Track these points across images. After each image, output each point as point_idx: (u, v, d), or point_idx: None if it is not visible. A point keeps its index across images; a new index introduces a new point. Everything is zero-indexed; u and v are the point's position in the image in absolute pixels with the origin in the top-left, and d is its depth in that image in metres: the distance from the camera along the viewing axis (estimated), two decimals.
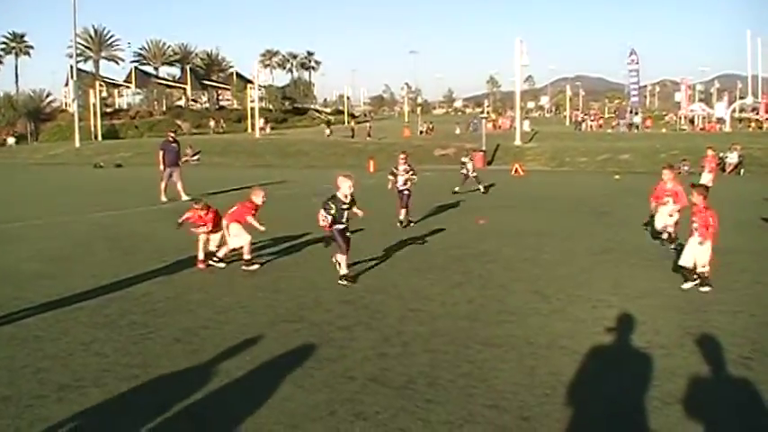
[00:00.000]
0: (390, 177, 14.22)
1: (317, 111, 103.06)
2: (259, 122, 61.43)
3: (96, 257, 10.59)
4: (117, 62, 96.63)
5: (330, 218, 8.63)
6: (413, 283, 8.69)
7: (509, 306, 7.52)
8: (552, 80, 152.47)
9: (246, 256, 9.50)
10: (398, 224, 13.55)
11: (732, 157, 28.59)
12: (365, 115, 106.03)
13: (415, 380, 5.29)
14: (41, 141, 66.00)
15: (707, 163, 19.78)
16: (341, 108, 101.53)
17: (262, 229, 9.65)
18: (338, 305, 7.60)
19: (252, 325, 6.82)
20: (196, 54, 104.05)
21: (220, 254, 9.61)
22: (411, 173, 14.10)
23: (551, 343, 6.20)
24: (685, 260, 8.15)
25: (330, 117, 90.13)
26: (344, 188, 8.71)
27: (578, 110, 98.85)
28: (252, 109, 64.68)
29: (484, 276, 9.08)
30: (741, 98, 73.84)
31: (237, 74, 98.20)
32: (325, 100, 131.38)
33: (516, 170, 29.49)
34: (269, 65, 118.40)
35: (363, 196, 8.87)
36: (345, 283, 8.52)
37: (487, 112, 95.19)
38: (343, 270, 8.65)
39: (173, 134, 21.40)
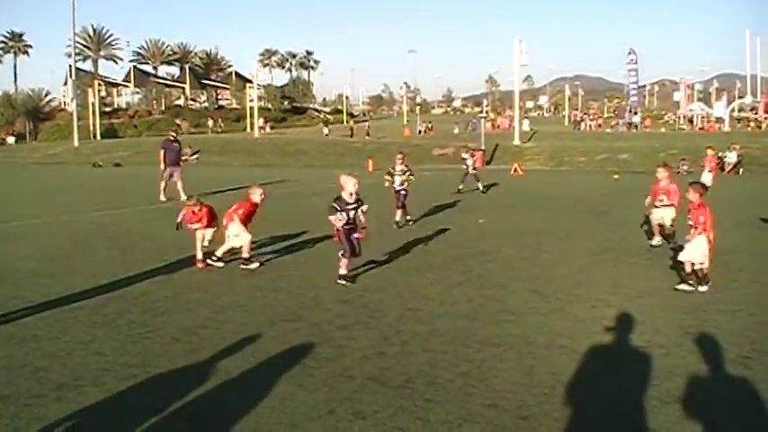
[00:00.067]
0: (387, 177, 14.17)
1: (316, 110, 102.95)
2: (259, 122, 61.39)
3: (95, 257, 10.58)
4: (116, 61, 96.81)
5: (344, 217, 8.46)
6: (412, 282, 8.69)
7: (508, 305, 7.52)
8: (551, 80, 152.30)
9: (245, 255, 9.48)
10: (395, 225, 13.51)
11: (731, 157, 28.63)
12: (364, 114, 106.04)
13: (413, 379, 5.28)
14: (40, 140, 66.03)
15: (707, 162, 19.89)
16: (340, 107, 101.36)
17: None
18: (337, 304, 7.59)
19: (251, 324, 6.82)
20: (195, 53, 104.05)
21: (219, 253, 9.59)
22: (408, 173, 14.04)
23: (550, 342, 6.20)
24: (684, 255, 8.12)
25: (328, 117, 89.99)
26: (349, 187, 8.61)
27: (577, 109, 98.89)
28: (251, 108, 64.65)
29: (483, 276, 9.08)
30: (740, 98, 73.99)
31: (236, 73, 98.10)
32: (324, 99, 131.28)
33: (515, 170, 29.51)
34: (268, 64, 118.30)
35: (362, 195, 8.86)
36: (344, 282, 8.51)
37: (486, 112, 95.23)
38: (343, 270, 8.63)
39: (174, 133, 21.37)
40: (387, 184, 14.12)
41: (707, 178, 19.23)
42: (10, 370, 5.51)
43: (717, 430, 4.53)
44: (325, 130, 61.04)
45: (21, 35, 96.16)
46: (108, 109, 77.86)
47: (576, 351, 5.93)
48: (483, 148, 34.93)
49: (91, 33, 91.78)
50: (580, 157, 34.89)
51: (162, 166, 19.29)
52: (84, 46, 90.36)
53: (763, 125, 60.32)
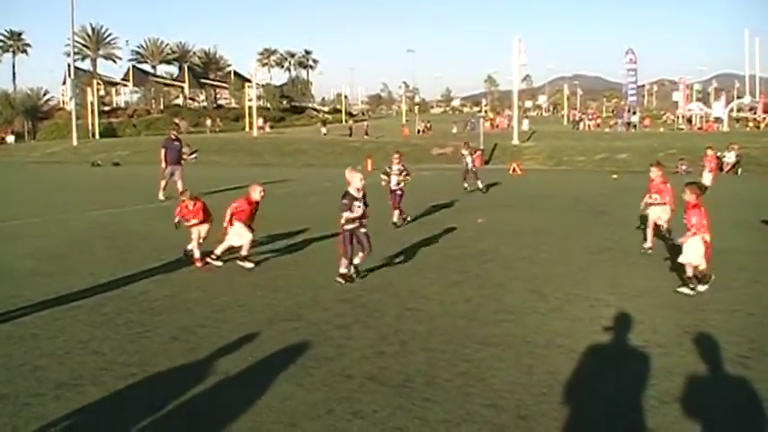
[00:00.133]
0: (384, 177, 14.09)
1: (315, 109, 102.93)
2: (258, 121, 61.33)
3: (94, 256, 10.58)
4: (114, 60, 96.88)
5: (359, 209, 8.45)
6: (410, 281, 8.69)
7: (507, 305, 7.52)
8: (550, 79, 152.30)
9: (243, 253, 9.45)
10: (393, 225, 13.47)
11: (730, 157, 28.65)
12: (363, 114, 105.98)
13: (412, 378, 5.29)
14: (39, 140, 66.02)
15: (707, 162, 20.03)
16: (338, 107, 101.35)
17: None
18: (336, 304, 7.59)
19: (250, 323, 6.82)
20: (194, 52, 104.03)
21: (218, 251, 9.56)
22: (405, 173, 13.93)
23: (549, 342, 6.21)
24: (683, 258, 8.09)
25: (327, 116, 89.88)
26: (356, 182, 8.56)
27: (576, 109, 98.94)
28: (250, 108, 64.65)
29: (481, 275, 9.08)
30: (739, 98, 74.08)
31: (235, 72, 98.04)
32: (323, 99, 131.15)
33: (514, 169, 29.50)
34: (267, 63, 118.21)
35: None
36: (342, 281, 8.49)
37: (485, 112, 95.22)
38: (342, 269, 8.61)
39: (175, 132, 21.43)
40: (383, 183, 14.07)
41: (707, 178, 19.40)
42: (8, 369, 5.51)
43: (715, 430, 4.54)
44: (323, 130, 60.78)
45: (19, 34, 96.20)
46: (107, 108, 77.83)
47: (574, 350, 5.93)
48: (482, 147, 34.93)
49: (90, 32, 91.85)
50: (579, 156, 34.90)
51: (163, 164, 19.31)
52: (83, 45, 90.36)
53: (762, 125, 60.34)
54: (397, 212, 13.65)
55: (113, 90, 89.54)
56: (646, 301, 7.66)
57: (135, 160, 38.80)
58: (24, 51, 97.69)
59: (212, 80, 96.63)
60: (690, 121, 69.10)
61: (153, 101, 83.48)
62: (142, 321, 6.89)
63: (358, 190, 8.56)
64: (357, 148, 40.39)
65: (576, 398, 4.94)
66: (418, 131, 64.14)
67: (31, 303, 7.47)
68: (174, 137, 20.33)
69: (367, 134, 56.41)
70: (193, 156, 38.45)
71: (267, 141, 46.79)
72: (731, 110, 63.53)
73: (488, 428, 4.44)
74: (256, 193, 9.70)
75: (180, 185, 18.77)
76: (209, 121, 72.81)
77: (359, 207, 8.50)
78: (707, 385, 5.27)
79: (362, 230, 8.59)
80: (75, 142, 50.24)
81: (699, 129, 61.82)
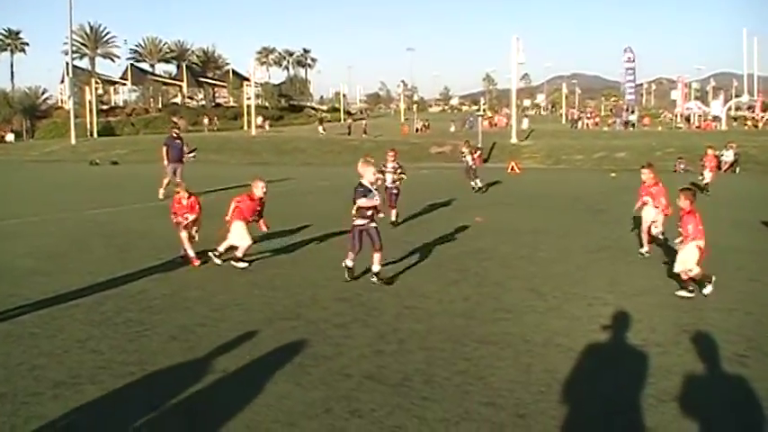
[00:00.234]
0: (378, 175, 13.89)
1: (313, 108, 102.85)
2: (258, 120, 61.21)
3: (92, 254, 10.56)
4: (113, 59, 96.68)
5: (377, 198, 8.31)
6: (409, 280, 8.69)
7: (505, 304, 7.53)
8: (548, 78, 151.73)
9: (238, 254, 9.41)
10: (391, 224, 13.36)
11: (728, 155, 28.70)
12: (361, 112, 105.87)
13: (411, 377, 5.29)
14: (37, 138, 65.88)
15: (707, 162, 20.18)
16: (337, 106, 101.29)
17: (264, 229, 9.78)
18: (335, 302, 7.59)
19: (248, 322, 6.81)
20: (192, 51, 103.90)
21: (221, 248, 9.42)
22: (400, 171, 13.69)
23: (547, 340, 6.21)
24: (677, 267, 8.00)
25: (324, 114, 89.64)
26: (368, 175, 8.40)
27: (574, 108, 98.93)
28: (248, 106, 64.58)
29: (480, 274, 9.08)
30: (737, 96, 74.07)
31: (234, 71, 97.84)
32: (322, 97, 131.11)
33: (512, 168, 29.52)
34: (265, 62, 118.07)
35: None
36: (346, 275, 8.42)
37: (484, 110, 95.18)
38: (349, 262, 8.47)
39: (177, 130, 21.50)
40: (378, 182, 13.90)
41: (708, 177, 19.51)
42: (7, 368, 5.51)
43: (713, 428, 4.55)
44: (321, 129, 60.25)
45: (18, 33, 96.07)
46: (105, 107, 77.63)
47: (572, 349, 5.94)
48: (480, 146, 34.94)
49: (88, 31, 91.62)
50: (577, 155, 34.94)
51: (165, 162, 19.37)
52: (82, 44, 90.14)
53: (760, 124, 60.45)
54: (394, 211, 13.51)
55: (112, 89, 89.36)
56: (644, 299, 7.67)
57: (133, 159, 38.77)
58: (22, 50, 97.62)
59: (211, 79, 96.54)
60: (688, 119, 69.15)
61: (151, 100, 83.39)
62: (141, 320, 6.88)
63: (372, 183, 8.44)
64: (356, 147, 40.34)
65: (574, 396, 4.95)
66: (417, 130, 64.08)
67: (29, 302, 7.46)
68: (175, 135, 20.42)
69: (365, 133, 56.33)
70: (192, 155, 38.47)
71: (265, 140, 46.78)
72: (729, 109, 63.58)
73: (487, 427, 4.44)
74: (258, 189, 9.68)
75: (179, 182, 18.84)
76: (206, 120, 72.72)
77: (376, 198, 8.34)
78: (705, 384, 5.29)
79: (373, 225, 8.40)
80: (73, 141, 50.20)
81: (697, 128, 61.88)
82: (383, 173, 13.75)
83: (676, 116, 72.02)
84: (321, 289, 8.19)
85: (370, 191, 8.35)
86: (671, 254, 8.99)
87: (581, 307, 7.38)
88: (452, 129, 59.77)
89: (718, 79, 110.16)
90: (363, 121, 68.55)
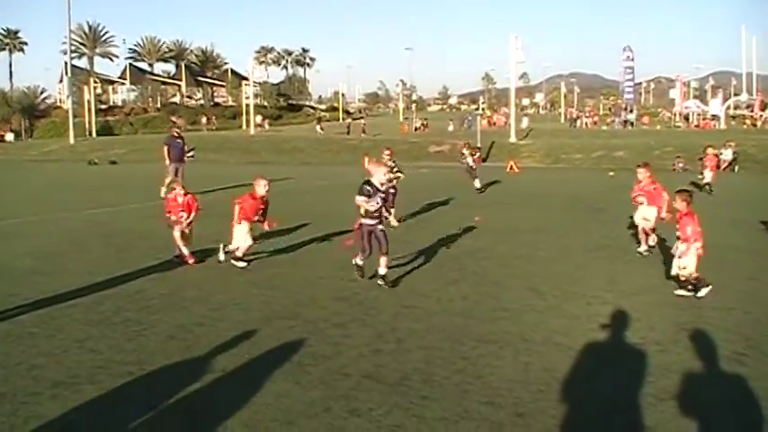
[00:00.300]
0: (389, 175, 13.79)
1: (312, 107, 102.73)
2: (257, 119, 61.13)
3: (91, 254, 10.56)
4: (111, 59, 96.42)
5: (377, 203, 8.09)
6: (407, 279, 8.69)
7: (504, 303, 7.53)
8: (547, 77, 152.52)
9: (239, 254, 9.42)
10: (389, 225, 13.22)
11: (726, 154, 28.68)
12: (360, 112, 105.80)
13: (409, 376, 5.29)
14: (36, 138, 65.85)
15: (707, 161, 20.25)
16: (335, 105, 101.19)
17: (273, 227, 9.81)
18: (333, 302, 7.59)
19: (246, 322, 6.81)
20: (191, 51, 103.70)
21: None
22: (396, 170, 13.52)
23: (546, 339, 6.21)
24: (675, 270, 7.97)
25: (323, 114, 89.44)
26: (379, 176, 8.32)
27: (573, 107, 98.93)
28: (247, 106, 64.51)
29: (479, 273, 9.09)
30: (736, 95, 74.09)
31: (232, 70, 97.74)
32: (320, 97, 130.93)
33: (511, 167, 29.48)
34: (264, 61, 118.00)
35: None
36: (356, 273, 8.34)
37: (482, 109, 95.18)
38: (359, 261, 8.38)
39: (178, 130, 21.54)
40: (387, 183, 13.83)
41: (708, 176, 19.55)
42: (6, 368, 5.50)
43: (712, 427, 4.55)
44: (319, 128, 59.98)
45: (16, 32, 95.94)
46: (104, 106, 77.52)
47: (571, 348, 5.94)
48: (479, 145, 34.91)
49: (86, 30, 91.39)
50: (576, 154, 34.92)
51: (167, 162, 19.39)
52: (80, 43, 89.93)
53: (759, 123, 60.45)
54: (392, 211, 13.34)
55: (110, 88, 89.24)
56: (643, 298, 7.68)
57: (132, 158, 38.73)
58: (21, 49, 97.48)
59: (209, 78, 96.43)
60: (687, 118, 69.14)
61: (150, 99, 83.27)
62: (139, 320, 6.88)
63: (382, 184, 8.35)
64: (354, 146, 40.33)
65: (573, 395, 4.95)
66: (415, 129, 64.04)
67: (28, 302, 7.46)
68: (176, 134, 20.50)
69: (364, 132, 56.24)
70: (190, 154, 38.50)
71: (264, 139, 46.75)
72: (728, 107, 63.58)
73: (486, 426, 4.44)
74: (261, 188, 9.65)
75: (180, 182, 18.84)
76: (204, 119, 72.60)
77: (377, 202, 8.16)
78: (704, 382, 5.29)
79: (380, 227, 8.29)
80: (72, 140, 50.11)
81: (696, 126, 61.87)
82: None
83: (675, 115, 72.00)
84: (320, 288, 8.19)
85: (375, 193, 8.19)
86: (667, 256, 8.97)
87: (580, 306, 7.39)
88: (451, 128, 59.70)
89: (716, 78, 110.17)
90: (362, 121, 68.45)
